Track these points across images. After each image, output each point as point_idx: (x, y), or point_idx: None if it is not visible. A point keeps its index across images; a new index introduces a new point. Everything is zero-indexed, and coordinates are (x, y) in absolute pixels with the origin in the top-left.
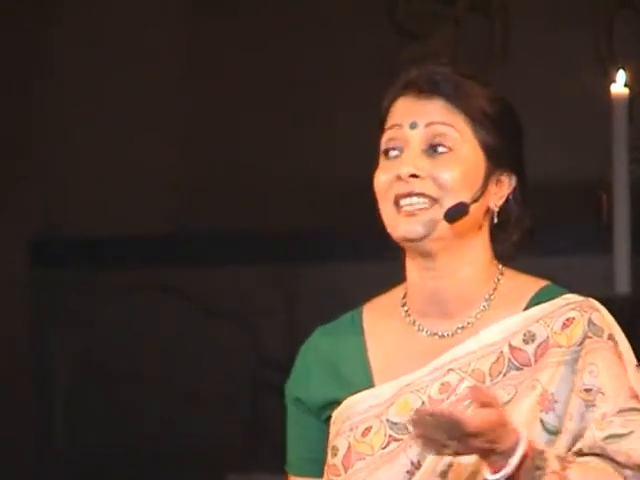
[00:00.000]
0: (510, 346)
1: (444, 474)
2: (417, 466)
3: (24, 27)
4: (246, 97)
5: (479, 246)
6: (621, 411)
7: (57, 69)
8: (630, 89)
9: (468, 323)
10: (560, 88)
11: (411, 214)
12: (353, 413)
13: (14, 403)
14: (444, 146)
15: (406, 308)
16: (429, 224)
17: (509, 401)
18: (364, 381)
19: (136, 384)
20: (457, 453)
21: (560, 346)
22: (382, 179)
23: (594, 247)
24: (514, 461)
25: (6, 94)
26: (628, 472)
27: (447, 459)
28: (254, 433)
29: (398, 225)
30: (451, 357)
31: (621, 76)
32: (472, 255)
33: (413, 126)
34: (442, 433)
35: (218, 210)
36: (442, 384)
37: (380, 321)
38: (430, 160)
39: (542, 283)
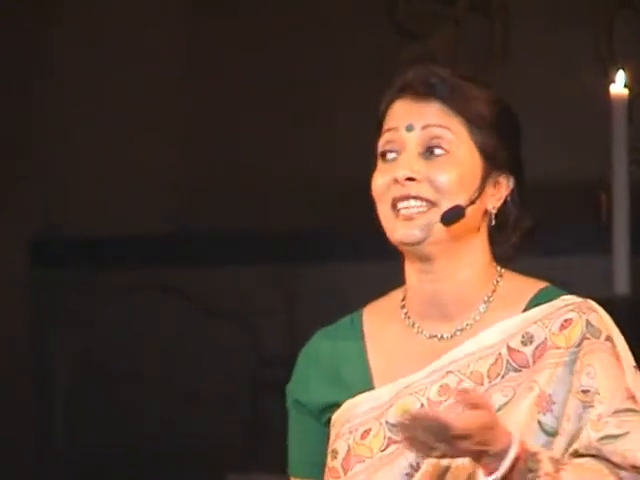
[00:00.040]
0: (508, 348)
1: (443, 476)
2: (416, 468)
3: (24, 27)
4: (246, 97)
5: (477, 248)
6: (617, 412)
7: (57, 69)
8: (630, 90)
9: (467, 325)
10: (560, 88)
11: (408, 218)
12: (353, 416)
13: (14, 403)
14: (441, 148)
15: (405, 310)
16: (426, 228)
17: (507, 402)
18: (364, 384)
19: (136, 384)
20: (446, 455)
21: (558, 347)
22: (379, 182)
23: (594, 247)
24: (506, 463)
25: (6, 94)
26: (624, 473)
27: (445, 461)
28: (254, 433)
29: (396, 229)
30: (450, 359)
31: (621, 77)
32: (470, 257)
33: (409, 129)
34: (430, 435)
35: (218, 210)
36: (441, 386)
37: (380, 324)
38: (427, 163)
39: (541, 285)
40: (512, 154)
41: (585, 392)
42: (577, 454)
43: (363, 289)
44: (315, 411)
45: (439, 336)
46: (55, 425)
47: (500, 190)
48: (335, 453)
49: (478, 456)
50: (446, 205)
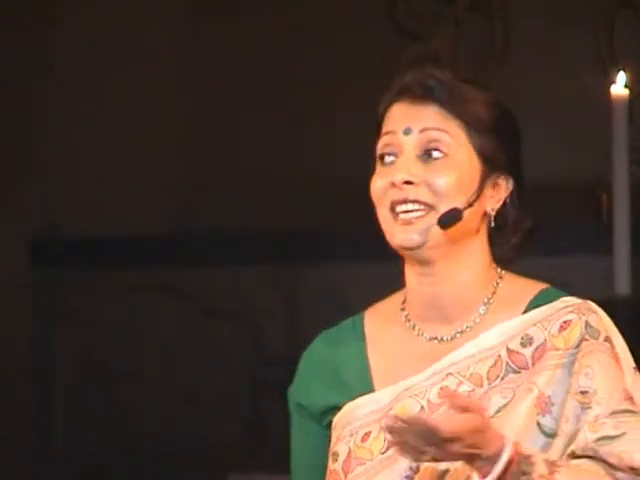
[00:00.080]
0: (508, 349)
1: (441, 479)
2: (416, 470)
3: (24, 27)
4: (246, 97)
5: (477, 250)
6: (614, 413)
7: (57, 69)
8: (630, 90)
9: (467, 327)
10: (560, 88)
11: (407, 222)
12: (353, 418)
13: (14, 403)
14: (439, 151)
15: (406, 313)
16: (425, 232)
17: (506, 404)
18: (364, 386)
19: (136, 384)
20: (437, 459)
21: (557, 349)
22: (378, 185)
23: (594, 247)
24: (499, 467)
25: (6, 94)
26: (620, 474)
27: (444, 464)
28: (254, 433)
29: (395, 233)
30: (450, 361)
31: (621, 77)
32: (470, 260)
33: (407, 132)
34: (419, 439)
35: (218, 210)
36: (441, 388)
37: (381, 326)
38: (424, 166)
39: (541, 286)
40: (511, 156)
41: (583, 393)
42: (574, 455)
43: (363, 289)
44: (316, 414)
45: (439, 338)
46: (55, 425)
47: (499, 192)
48: (336, 456)
49: (470, 459)
50: (444, 208)
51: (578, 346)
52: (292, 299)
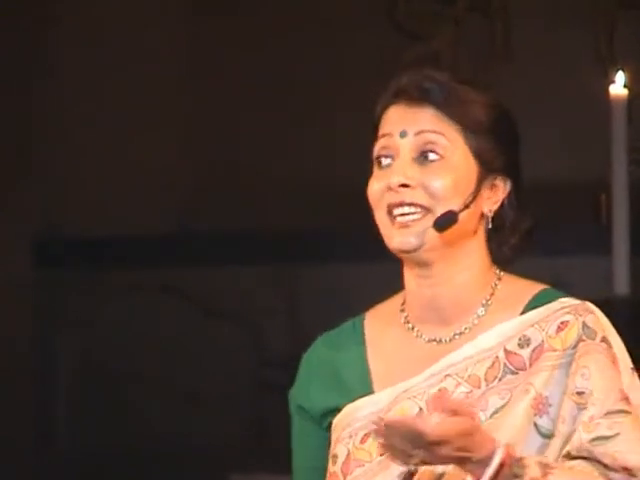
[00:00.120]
0: (505, 351)
1: None
2: (413, 472)
3: (24, 27)
4: (246, 97)
5: (475, 252)
6: (609, 413)
7: (57, 69)
8: (629, 90)
9: (466, 329)
10: (560, 88)
11: (404, 225)
12: (353, 420)
13: (14, 403)
14: (435, 154)
15: (405, 314)
16: (422, 235)
17: (504, 405)
18: (364, 388)
19: (136, 384)
20: (425, 462)
21: (555, 350)
22: (375, 188)
23: (594, 248)
24: (490, 470)
25: (6, 94)
26: (614, 475)
27: (441, 467)
28: (254, 433)
29: (392, 236)
30: (448, 363)
31: (620, 77)
32: (468, 261)
33: (403, 135)
34: (407, 443)
35: (218, 210)
36: (439, 390)
37: (381, 328)
38: (421, 168)
39: (540, 287)
40: (509, 158)
41: (580, 394)
42: (570, 456)
43: (363, 289)
44: (317, 416)
45: (438, 340)
46: (55, 425)
47: (497, 193)
48: (335, 458)
49: (461, 463)
50: (440, 211)
51: (575, 347)
52: (292, 299)
